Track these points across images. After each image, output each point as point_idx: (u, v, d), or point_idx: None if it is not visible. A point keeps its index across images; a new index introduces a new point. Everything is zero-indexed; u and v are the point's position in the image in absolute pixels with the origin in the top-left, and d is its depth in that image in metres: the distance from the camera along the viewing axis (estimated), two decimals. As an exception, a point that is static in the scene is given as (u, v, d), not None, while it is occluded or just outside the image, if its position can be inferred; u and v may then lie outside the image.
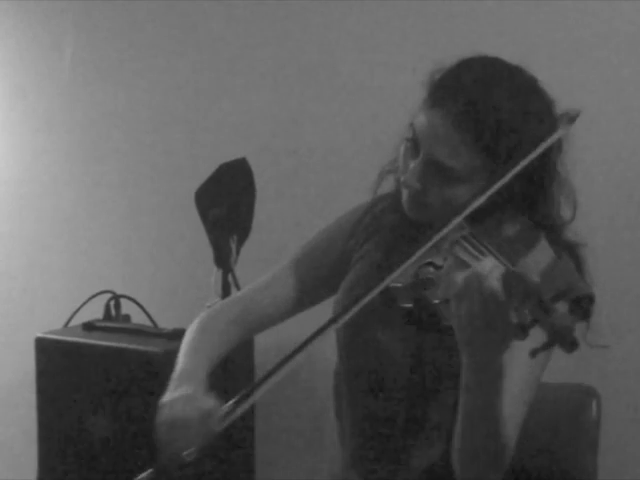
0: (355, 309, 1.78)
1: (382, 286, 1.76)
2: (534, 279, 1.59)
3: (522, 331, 1.57)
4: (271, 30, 3.27)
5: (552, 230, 1.96)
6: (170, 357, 2.74)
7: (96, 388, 2.99)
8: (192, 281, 3.20)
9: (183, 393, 1.92)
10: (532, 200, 1.96)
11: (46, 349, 3.07)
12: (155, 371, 2.85)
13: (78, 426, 3.01)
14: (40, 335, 3.09)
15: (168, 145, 3.42)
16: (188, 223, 3.06)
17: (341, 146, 3.07)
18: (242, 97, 3.30)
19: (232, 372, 3.00)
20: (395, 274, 1.75)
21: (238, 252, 2.96)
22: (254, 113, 3.27)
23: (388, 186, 2.14)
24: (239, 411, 1.89)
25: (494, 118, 1.86)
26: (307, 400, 2.41)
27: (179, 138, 3.38)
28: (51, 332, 3.13)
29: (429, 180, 1.88)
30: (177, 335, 2.83)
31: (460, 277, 1.66)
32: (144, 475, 1.81)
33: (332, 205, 2.48)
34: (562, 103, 1.90)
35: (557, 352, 2.55)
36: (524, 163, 1.81)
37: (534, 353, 1.57)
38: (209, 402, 1.89)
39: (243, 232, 2.97)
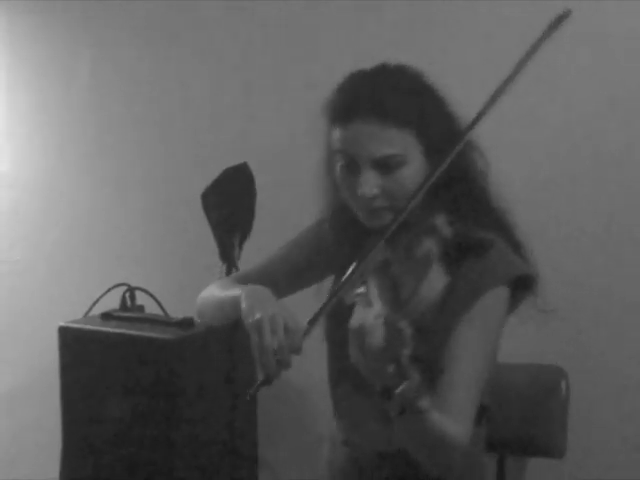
0: (320, 313, 1.83)
1: (330, 302, 1.81)
2: (407, 333, 1.65)
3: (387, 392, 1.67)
4: (272, 39, 3.25)
5: (486, 219, 2.00)
6: (180, 343, 2.93)
7: (114, 372, 3.00)
8: (200, 274, 3.05)
9: (266, 310, 1.87)
10: (459, 193, 2.00)
11: (68, 337, 3.09)
12: (166, 356, 2.91)
13: (98, 407, 3.02)
14: (63, 324, 3.11)
15: (178, 152, 3.43)
16: (196, 222, 3.06)
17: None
18: (245, 109, 3.27)
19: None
20: (339, 290, 1.81)
21: (241, 248, 3.00)
22: (256, 123, 3.26)
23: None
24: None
25: (399, 98, 1.91)
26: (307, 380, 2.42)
27: (188, 146, 3.40)
28: (72, 322, 3.14)
29: (379, 181, 1.91)
30: (186, 324, 2.99)
31: (353, 324, 1.71)
32: (256, 385, 1.80)
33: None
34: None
35: (529, 334, 2.65)
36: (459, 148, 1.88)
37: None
38: (292, 320, 1.84)
39: (245, 230, 3.00)
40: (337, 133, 1.94)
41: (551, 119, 2.98)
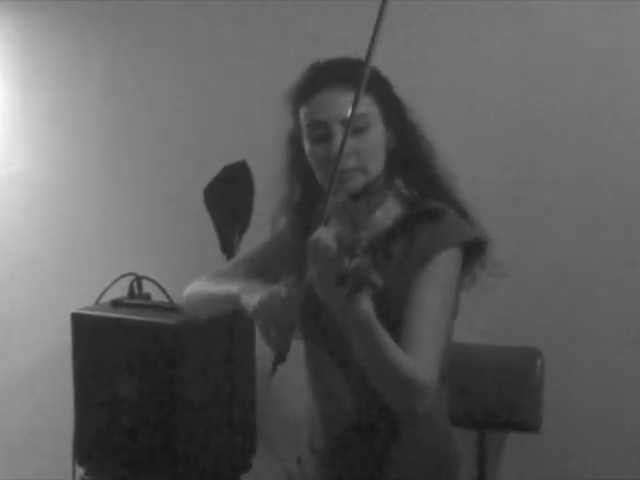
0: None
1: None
2: (358, 234, 1.69)
3: (339, 280, 1.67)
4: (273, 40, 3.27)
5: (437, 192, 2.09)
6: (184, 328, 2.92)
7: (122, 354, 3.01)
8: (202, 264, 3.03)
9: (264, 294, 1.92)
10: (413, 168, 2.10)
11: (80, 323, 3.11)
12: (171, 339, 2.92)
13: (108, 387, 3.03)
14: (75, 311, 3.13)
15: (183, 151, 3.44)
16: (199, 216, 3.08)
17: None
18: (244, 111, 3.28)
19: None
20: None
21: (240, 239, 3.03)
22: (255, 123, 3.26)
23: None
24: None
25: (357, 69, 1.90)
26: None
27: (192, 145, 3.43)
28: (84, 308, 3.16)
29: (350, 142, 1.95)
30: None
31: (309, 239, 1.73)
32: (273, 365, 1.85)
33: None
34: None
35: (508, 318, 2.70)
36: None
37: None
38: (288, 295, 1.88)
39: (244, 223, 3.04)
40: (305, 109, 2.04)
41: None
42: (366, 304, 1.74)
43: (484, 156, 2.95)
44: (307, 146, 2.07)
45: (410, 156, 2.10)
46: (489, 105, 2.95)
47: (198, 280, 2.31)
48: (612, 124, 2.83)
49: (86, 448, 3.14)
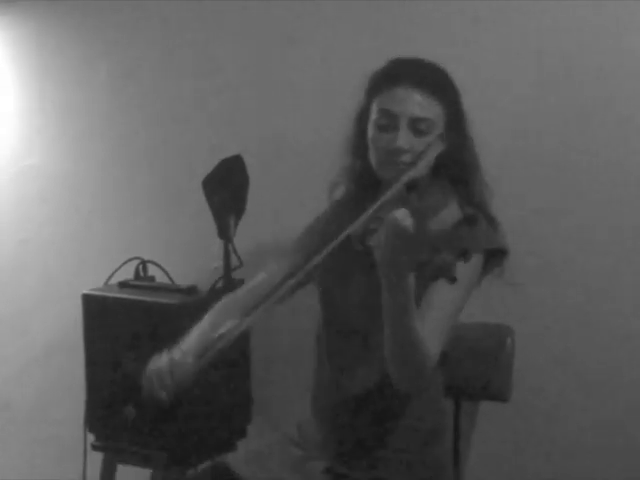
0: (329, 248, 1.89)
1: (345, 234, 1.87)
2: (434, 229, 1.76)
3: (420, 265, 1.72)
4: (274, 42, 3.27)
5: (472, 199, 2.14)
6: (185, 308, 2.93)
7: (129, 331, 3.02)
8: (201, 249, 3.26)
9: (163, 360, 2.16)
10: (461, 174, 2.15)
11: (91, 303, 3.12)
12: (173, 317, 2.93)
13: (116, 360, 3.04)
14: (86, 292, 3.14)
15: (184, 148, 3.45)
16: (198, 205, 3.09)
17: (321, 142, 2.98)
18: (240, 107, 3.32)
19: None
20: (355, 225, 1.87)
21: (236, 227, 3.06)
22: (251, 120, 3.29)
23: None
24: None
25: (433, 74, 2.11)
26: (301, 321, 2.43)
27: (193, 141, 3.43)
28: (94, 289, 3.17)
29: (412, 139, 2.06)
30: (190, 290, 3.04)
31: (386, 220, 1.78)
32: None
33: (309, 191, 2.61)
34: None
35: (483, 297, 2.71)
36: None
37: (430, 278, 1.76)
38: (181, 366, 2.13)
39: (239, 211, 3.06)
40: (380, 97, 2.11)
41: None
42: (412, 287, 1.83)
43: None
44: (371, 131, 2.13)
45: (456, 165, 2.15)
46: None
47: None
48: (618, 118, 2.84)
49: (96, 417, 3.15)
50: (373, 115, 2.12)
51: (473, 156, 2.19)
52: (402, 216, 1.75)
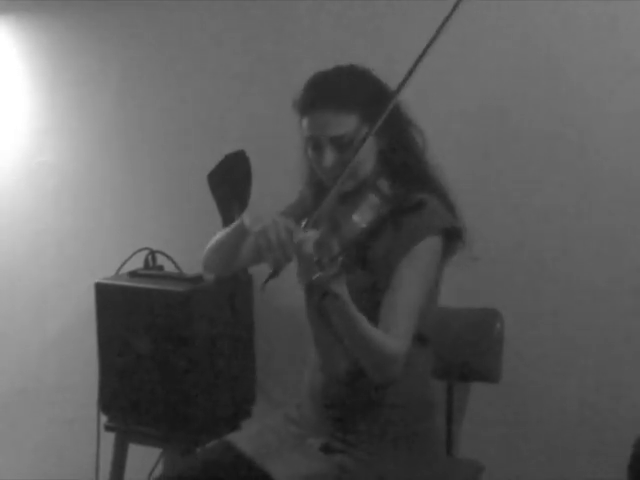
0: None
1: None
2: (334, 244, 1.87)
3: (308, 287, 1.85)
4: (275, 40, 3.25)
5: (425, 184, 2.18)
6: (192, 295, 2.96)
7: (139, 318, 3.05)
8: (208, 240, 2.94)
9: (269, 218, 1.97)
10: (401, 163, 2.18)
11: (103, 291, 3.15)
12: (181, 305, 2.97)
13: (127, 346, 3.07)
14: (98, 281, 3.17)
15: (191, 143, 3.44)
16: (204, 198, 3.09)
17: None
18: (245, 104, 3.30)
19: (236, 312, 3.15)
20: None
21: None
22: (254, 115, 3.28)
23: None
24: None
25: (347, 90, 2.11)
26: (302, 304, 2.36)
27: (201, 136, 3.42)
28: (106, 279, 3.19)
29: (335, 154, 2.10)
30: (197, 279, 3.05)
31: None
32: (267, 278, 1.89)
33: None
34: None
35: (472, 283, 2.72)
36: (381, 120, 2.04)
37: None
38: (292, 225, 1.96)
39: (243, 204, 3.04)
40: (304, 122, 2.15)
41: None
42: (340, 291, 1.88)
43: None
44: (309, 150, 2.18)
45: (402, 153, 2.19)
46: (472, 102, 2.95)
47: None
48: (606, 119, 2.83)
49: (109, 399, 3.18)
50: (305, 138, 2.18)
51: (413, 139, 2.22)
52: (305, 238, 1.85)
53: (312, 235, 1.87)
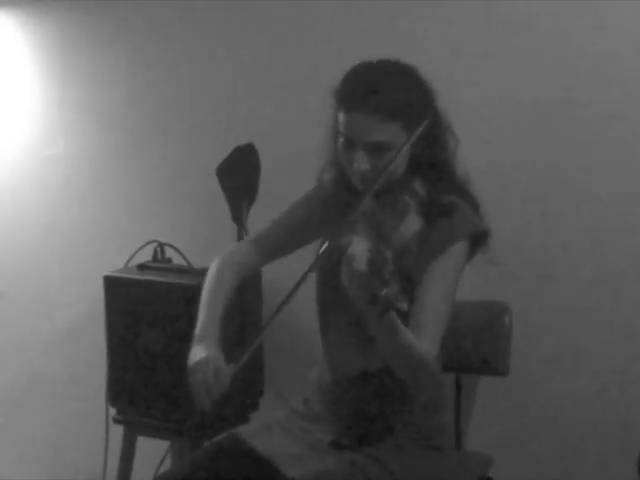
0: (312, 267, 1.94)
1: (322, 248, 1.89)
2: (388, 255, 1.74)
3: (372, 298, 1.72)
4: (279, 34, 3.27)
5: (453, 187, 2.16)
6: (200, 288, 2.71)
7: (148, 311, 3.05)
8: (217, 232, 3.25)
9: (203, 355, 2.06)
10: (434, 163, 2.15)
11: (112, 284, 3.14)
12: (190, 298, 2.75)
13: (136, 338, 3.07)
14: (107, 274, 3.16)
15: (200, 135, 3.46)
16: (213, 191, 3.10)
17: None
18: (255, 103, 3.31)
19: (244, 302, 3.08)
20: (325, 245, 1.88)
21: (248, 211, 3.08)
22: (263, 109, 3.29)
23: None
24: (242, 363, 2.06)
25: (391, 95, 2.04)
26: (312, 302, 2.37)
27: (209, 129, 3.43)
28: (115, 271, 3.18)
29: (370, 159, 2.05)
30: (205, 272, 2.73)
31: (345, 254, 1.78)
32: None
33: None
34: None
35: (481, 277, 2.68)
36: (417, 132, 2.01)
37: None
38: (222, 364, 2.06)
39: (251, 197, 3.08)
40: (341, 117, 2.08)
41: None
42: (407, 308, 1.79)
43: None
44: (340, 142, 2.12)
45: (432, 156, 2.15)
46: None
47: (218, 259, 2.36)
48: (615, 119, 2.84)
49: (117, 392, 3.17)
50: (338, 132, 2.13)
51: (444, 149, 2.18)
52: (356, 250, 1.76)
53: (363, 247, 1.78)
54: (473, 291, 2.74)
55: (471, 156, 2.24)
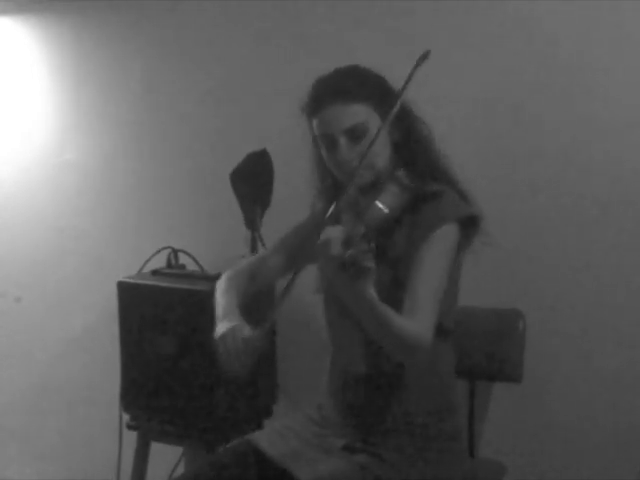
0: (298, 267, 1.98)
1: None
2: (357, 226, 1.83)
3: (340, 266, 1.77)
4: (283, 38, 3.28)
5: (437, 174, 2.20)
6: (214, 294, 2.74)
7: (161, 317, 3.04)
8: (230, 238, 3.22)
9: (229, 326, 2.10)
10: (414, 151, 2.19)
11: (125, 290, 3.14)
12: (203, 305, 2.85)
13: (149, 344, 3.07)
14: (121, 279, 3.16)
15: (213, 142, 3.45)
16: (227, 197, 3.09)
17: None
18: (269, 109, 3.30)
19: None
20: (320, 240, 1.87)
21: (262, 217, 3.08)
22: (276, 120, 3.10)
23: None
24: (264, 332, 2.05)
25: (355, 81, 2.12)
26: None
27: (222, 136, 3.43)
28: (129, 277, 3.18)
29: (352, 146, 2.10)
30: (218, 278, 2.79)
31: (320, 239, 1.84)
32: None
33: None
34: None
35: (496, 283, 2.69)
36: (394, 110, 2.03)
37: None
38: (248, 331, 2.07)
39: (265, 203, 3.08)
40: (315, 123, 2.16)
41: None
42: (364, 286, 1.86)
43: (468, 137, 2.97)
44: (322, 151, 2.18)
45: (413, 146, 2.19)
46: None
47: (231, 270, 2.41)
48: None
49: (131, 397, 3.17)
50: (317, 138, 2.18)
51: (423, 130, 2.22)
52: (332, 233, 1.81)
53: (337, 234, 1.82)
54: (484, 297, 2.80)
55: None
